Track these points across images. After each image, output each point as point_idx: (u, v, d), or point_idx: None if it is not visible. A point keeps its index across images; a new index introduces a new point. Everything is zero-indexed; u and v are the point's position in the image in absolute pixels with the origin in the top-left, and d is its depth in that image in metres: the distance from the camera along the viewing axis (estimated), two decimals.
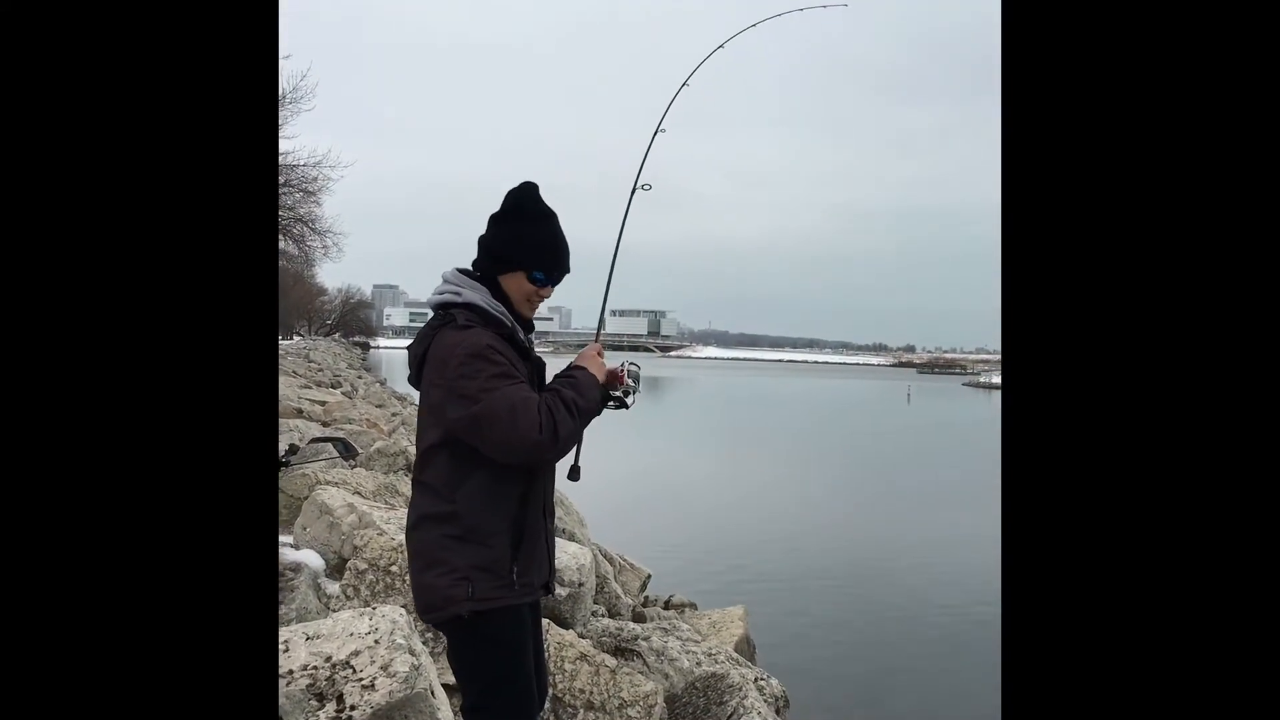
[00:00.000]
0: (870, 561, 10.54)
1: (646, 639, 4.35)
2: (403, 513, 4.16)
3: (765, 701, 4.24)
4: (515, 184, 2.28)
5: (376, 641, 2.76)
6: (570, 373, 2.24)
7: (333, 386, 22.38)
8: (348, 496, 4.94)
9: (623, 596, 5.66)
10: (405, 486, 5.94)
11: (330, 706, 2.57)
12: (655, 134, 2.95)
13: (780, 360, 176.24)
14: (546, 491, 2.28)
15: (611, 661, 3.72)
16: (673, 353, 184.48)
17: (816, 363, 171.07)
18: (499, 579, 2.09)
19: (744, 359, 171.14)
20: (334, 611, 3.46)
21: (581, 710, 3.49)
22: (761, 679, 4.66)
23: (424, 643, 3.02)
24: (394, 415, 16.22)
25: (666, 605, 6.57)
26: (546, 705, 3.39)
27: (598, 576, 5.14)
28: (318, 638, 2.75)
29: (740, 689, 4.07)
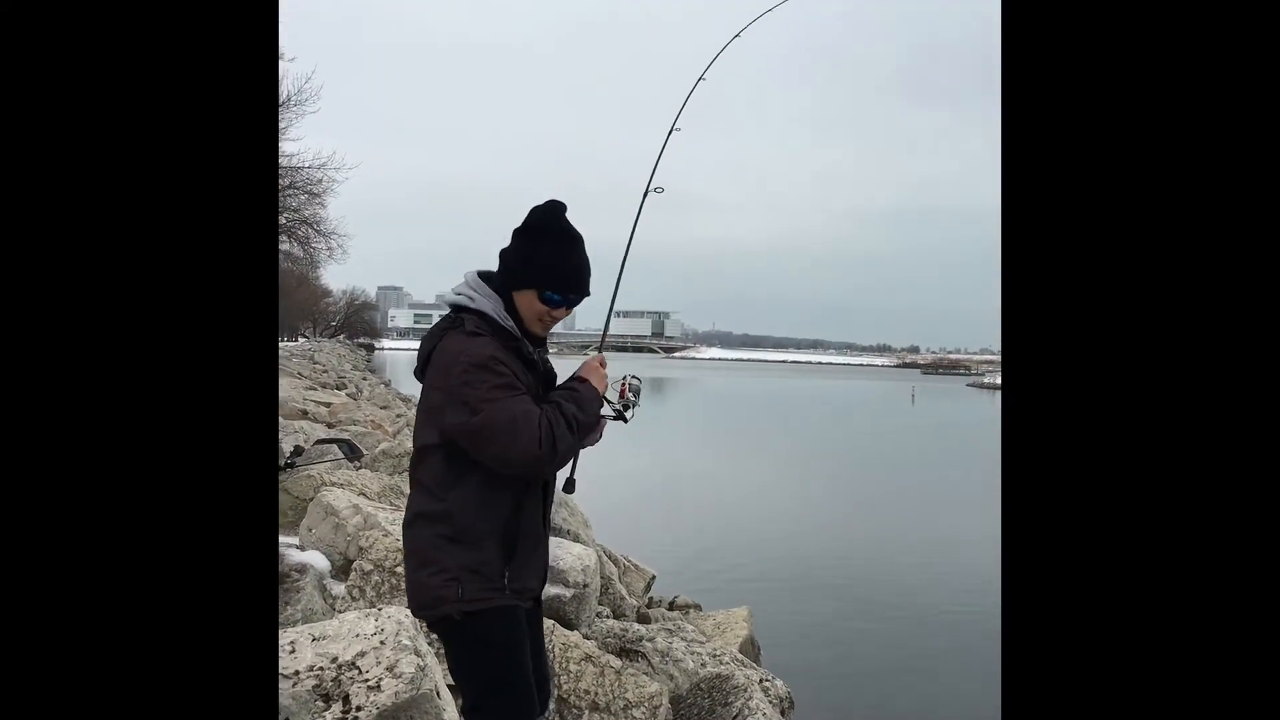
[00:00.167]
0: (874, 562, 10.53)
1: (651, 640, 4.35)
2: None
3: (770, 703, 4.24)
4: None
5: (382, 642, 2.76)
6: (572, 385, 2.21)
7: (337, 388, 22.42)
8: (353, 498, 4.95)
9: (627, 598, 5.67)
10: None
11: (336, 707, 2.58)
12: (670, 133, 2.86)
13: (784, 361, 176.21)
14: (546, 498, 2.26)
15: (616, 662, 3.72)
16: (676, 354, 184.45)
17: (820, 363, 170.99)
18: (489, 581, 2.08)
19: (748, 360, 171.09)
20: (340, 612, 3.47)
21: (587, 711, 3.50)
22: (766, 680, 4.66)
23: (429, 643, 3.03)
24: (398, 417, 16.24)
25: (671, 606, 6.58)
26: (551, 706, 3.39)
27: (602, 577, 5.14)
28: (324, 639, 2.76)
29: (745, 690, 4.07)
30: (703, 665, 4.25)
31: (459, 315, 2.15)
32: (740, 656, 4.94)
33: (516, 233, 2.20)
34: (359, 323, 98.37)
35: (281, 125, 18.12)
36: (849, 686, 6.38)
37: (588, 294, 2.24)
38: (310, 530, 4.73)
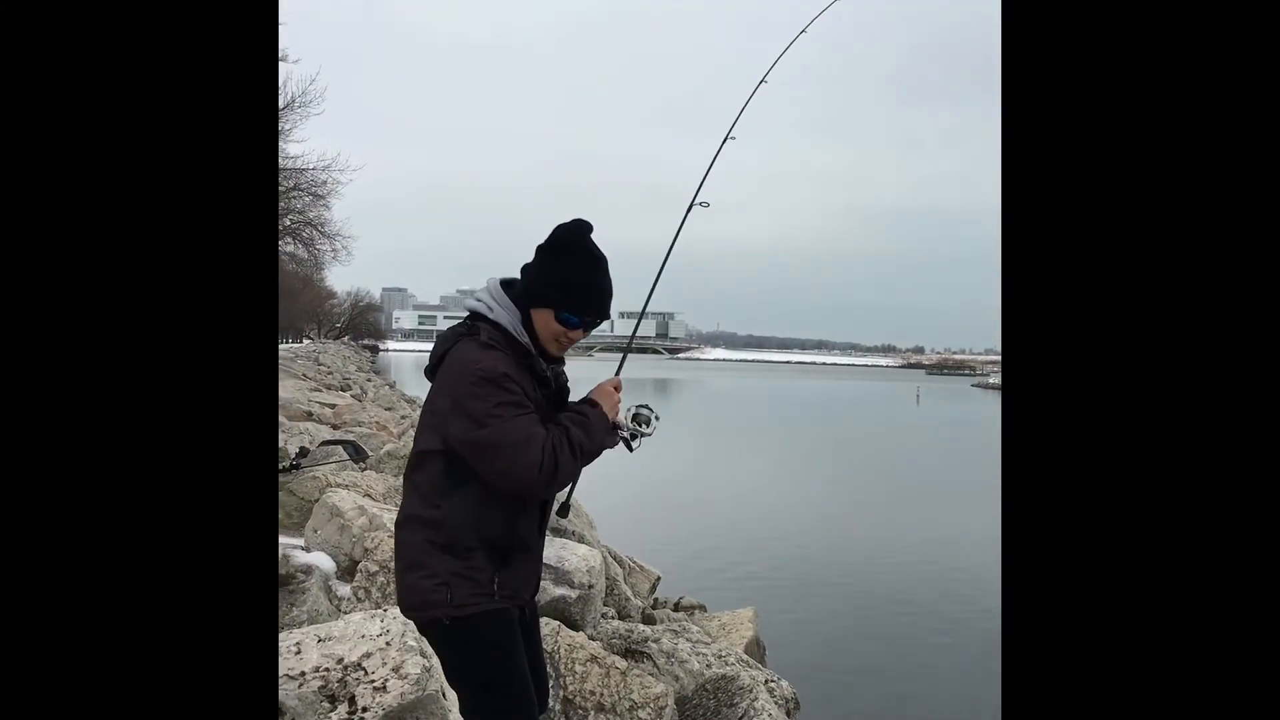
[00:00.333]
0: (879, 562, 10.52)
1: (657, 641, 4.35)
2: None
3: (775, 703, 4.24)
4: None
5: (388, 643, 2.77)
6: (583, 410, 2.16)
7: (342, 389, 22.46)
8: (358, 499, 4.96)
9: (633, 598, 5.67)
10: None
11: (342, 708, 2.58)
12: (725, 141, 2.77)
13: (788, 361, 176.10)
14: (544, 510, 2.24)
15: (622, 663, 3.72)
16: (681, 354, 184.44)
17: (825, 364, 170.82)
18: (479, 586, 2.08)
19: (752, 360, 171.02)
20: (345, 613, 3.48)
21: (592, 712, 3.50)
22: (772, 681, 4.66)
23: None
24: (403, 418, 16.26)
25: (676, 607, 6.57)
26: (556, 707, 3.40)
27: (608, 578, 5.14)
28: (329, 639, 2.77)
29: (751, 691, 4.07)
30: (708, 666, 4.25)
31: (475, 324, 2.12)
32: (745, 657, 4.94)
33: (540, 249, 2.15)
34: (364, 324, 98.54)
35: (286, 127, 18.19)
36: (855, 687, 6.38)
37: (607, 317, 2.19)
38: (315, 531, 4.74)
